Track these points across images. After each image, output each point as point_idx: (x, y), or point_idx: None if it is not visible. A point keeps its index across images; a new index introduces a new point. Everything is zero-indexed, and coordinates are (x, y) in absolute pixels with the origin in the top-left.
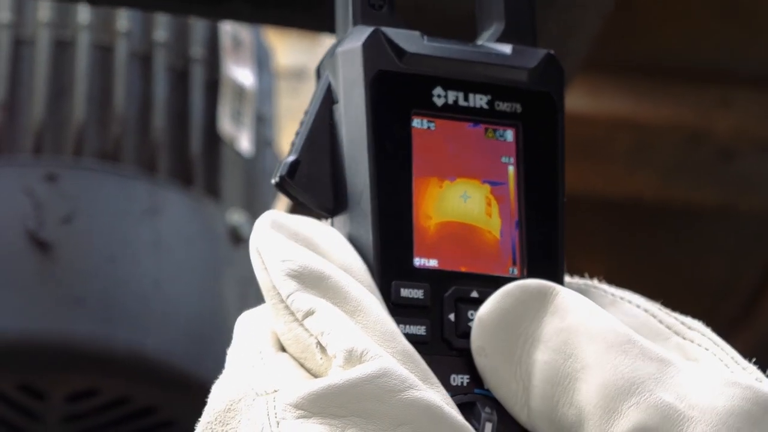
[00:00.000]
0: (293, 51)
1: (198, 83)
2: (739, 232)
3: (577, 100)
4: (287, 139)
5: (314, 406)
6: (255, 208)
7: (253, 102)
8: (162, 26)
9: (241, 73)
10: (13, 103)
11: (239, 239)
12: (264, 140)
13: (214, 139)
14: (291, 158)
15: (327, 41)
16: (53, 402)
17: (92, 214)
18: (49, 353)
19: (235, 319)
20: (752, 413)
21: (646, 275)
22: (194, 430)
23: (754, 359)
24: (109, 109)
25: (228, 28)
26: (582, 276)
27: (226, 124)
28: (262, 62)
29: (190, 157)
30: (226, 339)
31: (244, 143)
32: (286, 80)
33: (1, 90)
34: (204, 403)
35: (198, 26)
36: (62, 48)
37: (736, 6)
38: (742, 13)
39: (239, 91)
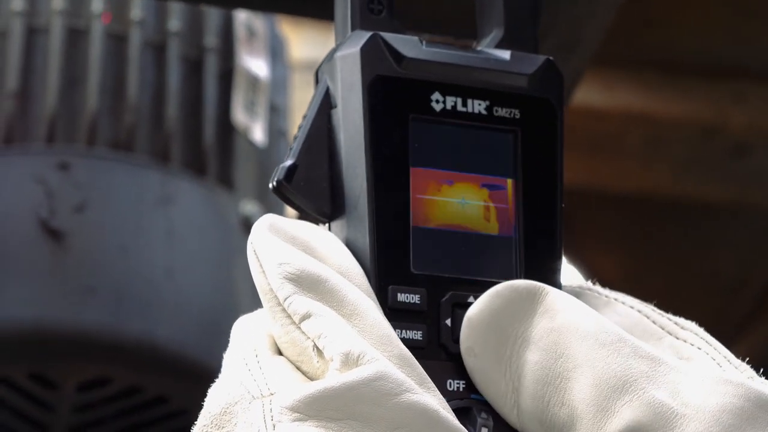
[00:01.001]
0: (307, 44)
1: (212, 73)
2: (750, 227)
3: (590, 95)
4: None
5: (310, 409)
6: (268, 198)
7: (266, 92)
8: (176, 15)
9: (255, 64)
10: (26, 92)
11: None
12: (277, 130)
13: (227, 129)
14: (288, 162)
15: None
16: (65, 391)
17: (105, 204)
18: (61, 342)
19: (247, 309)
20: (745, 410)
21: (658, 269)
22: None
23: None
24: (123, 98)
25: (242, 19)
26: (593, 269)
27: (239, 114)
28: (276, 52)
29: (204, 147)
30: None
31: (258, 133)
32: (300, 73)
33: (15, 78)
34: None
35: (212, 16)
36: (76, 37)
37: (750, 1)
38: (755, 8)
39: (253, 81)
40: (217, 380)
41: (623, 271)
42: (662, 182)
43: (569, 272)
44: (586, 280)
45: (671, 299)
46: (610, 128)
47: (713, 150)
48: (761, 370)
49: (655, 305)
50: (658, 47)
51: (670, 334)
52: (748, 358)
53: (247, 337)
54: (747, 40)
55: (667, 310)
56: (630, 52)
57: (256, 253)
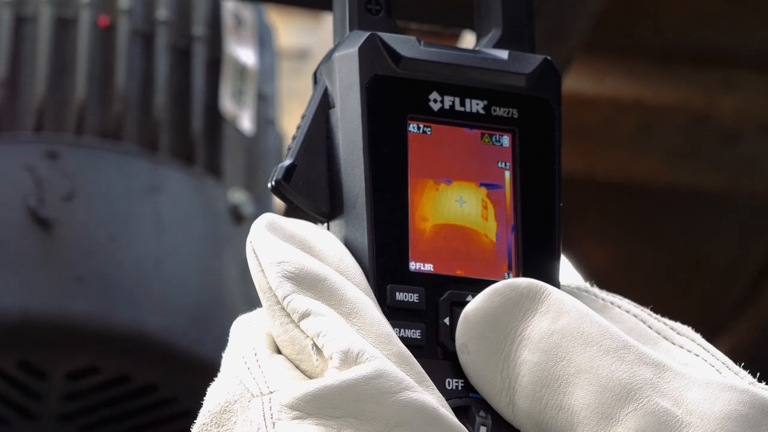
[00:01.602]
0: (295, 32)
1: (200, 62)
2: (743, 215)
3: (581, 83)
4: (289, 120)
5: (310, 406)
6: (256, 187)
7: (254, 81)
8: (164, 4)
9: (243, 52)
10: (15, 81)
11: (240, 218)
12: (265, 119)
13: (215, 118)
14: (287, 162)
15: (329, 21)
16: (54, 380)
17: (93, 192)
18: (50, 331)
19: (236, 298)
20: (749, 417)
21: (649, 257)
22: (194, 408)
23: (757, 345)
24: (111, 87)
25: (230, 7)
26: (583, 257)
27: (227, 103)
28: (264, 41)
29: (192, 136)
30: (226, 318)
31: (246, 122)
32: (289, 61)
33: (3, 67)
34: (204, 382)
35: (200, 4)
36: (64, 26)
37: None
38: None
39: (241, 69)
40: (216, 379)
41: (614, 259)
42: (653, 170)
43: (563, 265)
44: (578, 269)
45: (662, 287)
46: (600, 116)
47: (704, 137)
48: (757, 367)
49: (647, 293)
50: (647, 35)
51: (666, 339)
52: (741, 346)
53: (246, 335)
54: (737, 27)
55: (658, 297)
56: (620, 40)
57: (255, 252)
